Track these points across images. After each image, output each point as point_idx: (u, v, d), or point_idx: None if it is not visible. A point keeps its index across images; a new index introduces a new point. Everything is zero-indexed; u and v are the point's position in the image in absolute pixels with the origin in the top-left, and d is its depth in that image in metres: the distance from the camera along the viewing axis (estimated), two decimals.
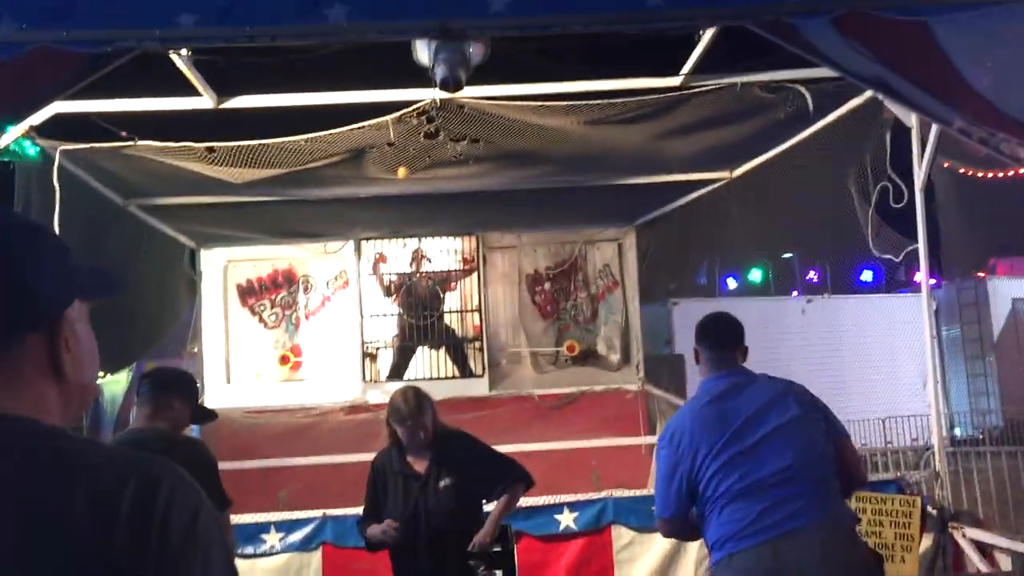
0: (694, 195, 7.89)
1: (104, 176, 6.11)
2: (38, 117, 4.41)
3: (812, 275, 20.96)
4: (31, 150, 5.00)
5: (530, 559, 5.93)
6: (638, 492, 6.37)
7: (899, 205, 4.93)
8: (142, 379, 4.08)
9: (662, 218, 8.74)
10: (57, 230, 4.88)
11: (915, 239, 5.37)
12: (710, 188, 7.67)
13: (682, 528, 3.70)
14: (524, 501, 4.99)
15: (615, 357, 9.05)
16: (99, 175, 6.05)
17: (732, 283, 20.79)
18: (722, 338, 3.76)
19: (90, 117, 5.26)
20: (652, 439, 8.44)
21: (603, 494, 6.36)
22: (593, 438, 8.14)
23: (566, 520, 6.21)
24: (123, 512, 1.11)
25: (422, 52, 3.72)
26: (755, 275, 20.57)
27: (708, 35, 4.52)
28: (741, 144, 6.40)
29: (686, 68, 4.95)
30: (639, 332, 9.12)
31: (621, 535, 6.21)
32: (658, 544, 6.05)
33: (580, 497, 6.32)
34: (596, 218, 8.95)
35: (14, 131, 4.44)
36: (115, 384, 11.74)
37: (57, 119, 4.90)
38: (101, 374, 10.84)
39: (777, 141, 6.28)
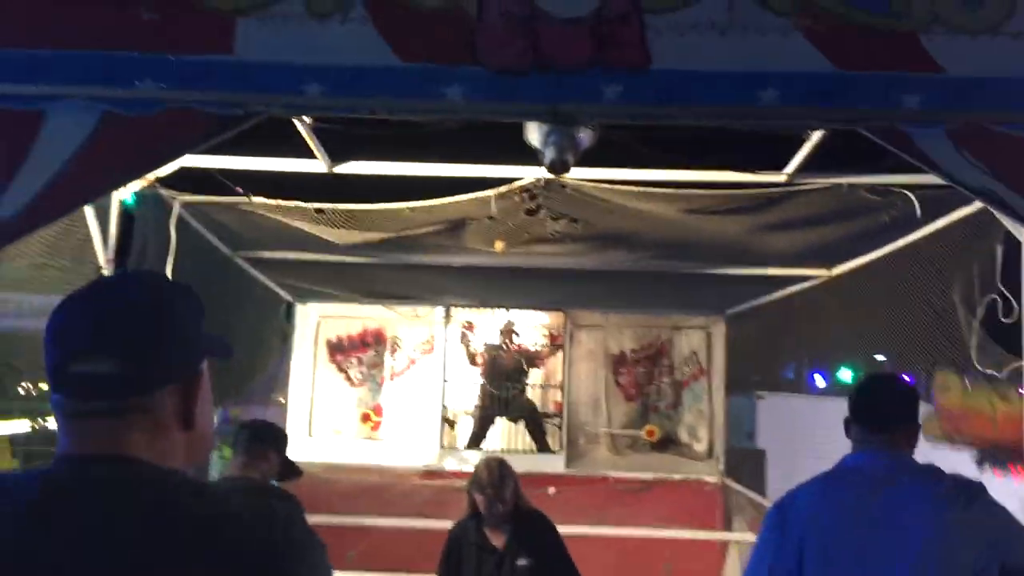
0: (789, 290, 7.78)
1: (216, 227, 6.37)
2: (165, 169, 4.65)
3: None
4: (152, 199, 5.25)
5: None
6: None
7: (1009, 320, 4.75)
8: (240, 428, 4.21)
9: (754, 310, 8.62)
10: (170, 276, 5.10)
11: (1019, 355, 5.17)
12: (806, 285, 7.56)
13: None
14: None
15: (696, 446, 8.90)
16: (211, 226, 6.31)
17: (820, 381, 20.24)
18: (875, 414, 2.88)
19: (208, 172, 5.50)
20: (729, 535, 8.21)
21: None
22: (667, 528, 7.97)
23: None
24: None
25: (533, 133, 3.80)
26: (845, 374, 19.95)
27: (817, 134, 4.50)
28: (842, 243, 6.29)
29: (792, 166, 4.93)
30: (722, 423, 8.95)
31: None
32: None
33: None
34: (686, 304, 8.89)
35: (139, 181, 4.69)
36: None
37: (174, 172, 5.13)
38: None
39: (881, 243, 6.16)
